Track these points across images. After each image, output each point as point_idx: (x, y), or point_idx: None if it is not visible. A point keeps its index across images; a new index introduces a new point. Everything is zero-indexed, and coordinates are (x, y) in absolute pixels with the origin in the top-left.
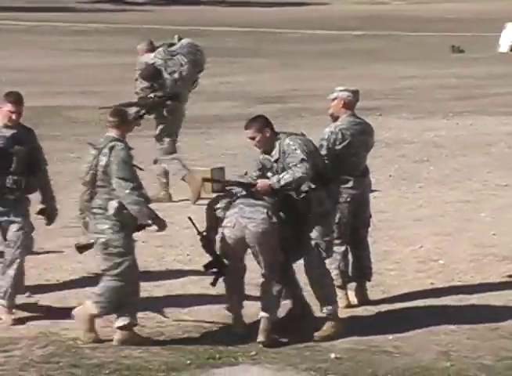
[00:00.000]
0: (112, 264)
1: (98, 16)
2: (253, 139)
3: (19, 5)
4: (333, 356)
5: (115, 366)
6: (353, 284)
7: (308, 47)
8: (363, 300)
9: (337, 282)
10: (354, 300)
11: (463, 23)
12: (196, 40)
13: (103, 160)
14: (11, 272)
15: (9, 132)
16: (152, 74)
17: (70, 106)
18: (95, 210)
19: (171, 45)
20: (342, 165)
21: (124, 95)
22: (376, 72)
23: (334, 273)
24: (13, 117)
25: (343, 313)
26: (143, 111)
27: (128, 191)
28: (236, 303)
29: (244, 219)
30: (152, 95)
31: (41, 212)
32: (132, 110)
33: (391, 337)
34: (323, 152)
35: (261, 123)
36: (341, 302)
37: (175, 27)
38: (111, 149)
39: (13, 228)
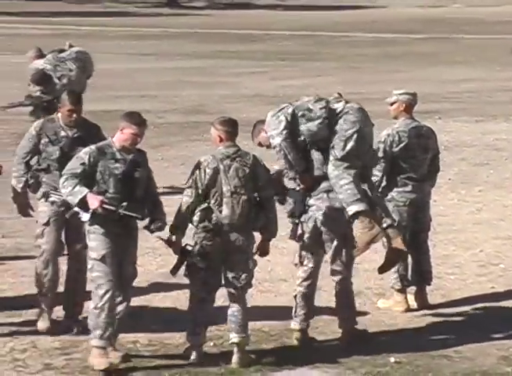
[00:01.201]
0: None
1: (156, 20)
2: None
3: (80, 10)
4: (392, 360)
5: (176, 370)
6: (412, 288)
7: (367, 50)
8: (423, 304)
9: (397, 286)
10: (413, 304)
11: None
12: (256, 44)
13: None
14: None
15: (129, 156)
16: (42, 79)
17: (128, 110)
18: None
19: (62, 51)
20: (399, 168)
21: (181, 99)
22: (435, 75)
23: (393, 277)
24: (138, 140)
25: (403, 318)
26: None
27: None
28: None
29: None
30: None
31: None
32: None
33: (451, 341)
34: (380, 154)
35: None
36: (401, 306)
37: (233, 30)
38: None
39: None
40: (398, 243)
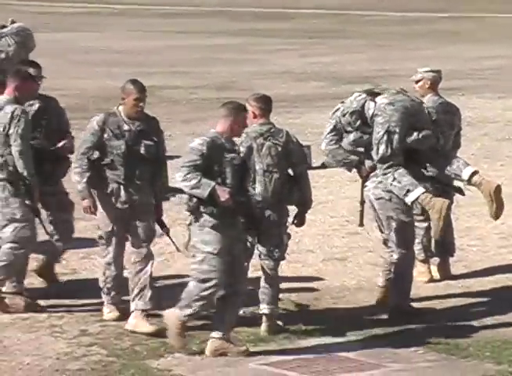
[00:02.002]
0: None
1: None
2: None
3: None
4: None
5: (205, 336)
6: (436, 259)
7: (394, 28)
8: (446, 275)
9: (420, 256)
10: (436, 275)
11: None
12: (284, 22)
13: None
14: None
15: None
16: None
17: (161, 86)
18: None
19: (3, 27)
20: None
21: (211, 75)
22: (459, 53)
23: (417, 248)
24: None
25: (426, 288)
26: None
27: None
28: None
29: None
30: None
31: None
32: None
33: (473, 311)
34: None
35: None
36: (424, 276)
37: (262, 9)
38: None
39: None
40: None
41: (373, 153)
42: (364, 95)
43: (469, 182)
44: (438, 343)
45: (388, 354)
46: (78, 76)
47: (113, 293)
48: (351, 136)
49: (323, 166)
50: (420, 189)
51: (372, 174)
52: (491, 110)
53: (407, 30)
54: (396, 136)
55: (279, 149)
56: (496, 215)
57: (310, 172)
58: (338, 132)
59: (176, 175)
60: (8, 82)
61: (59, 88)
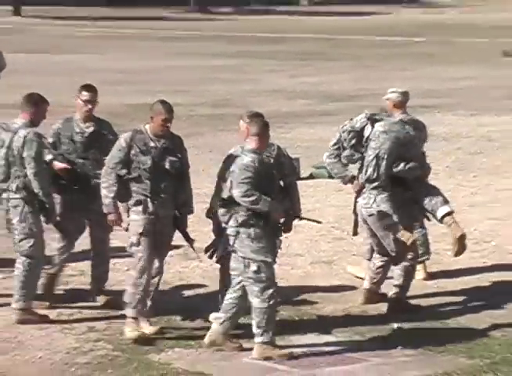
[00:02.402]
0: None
1: (189, 24)
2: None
3: (122, 15)
4: (395, 325)
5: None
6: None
7: (376, 51)
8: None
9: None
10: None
11: None
12: (276, 45)
13: None
14: None
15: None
16: None
17: None
18: None
19: None
20: None
21: (210, 93)
22: (435, 73)
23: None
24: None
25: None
26: None
27: None
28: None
29: None
30: None
31: None
32: None
33: (448, 310)
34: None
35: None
36: (420, 275)
37: (256, 33)
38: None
39: None
40: (456, 230)
41: (362, 173)
42: (366, 119)
43: (441, 220)
44: (416, 339)
45: (370, 349)
46: None
47: (140, 305)
48: (346, 152)
49: (311, 177)
50: (393, 219)
51: (364, 189)
52: (464, 126)
53: (387, 53)
54: (384, 162)
55: (271, 161)
56: (456, 255)
57: (299, 182)
58: (340, 146)
59: (233, 192)
60: (22, 106)
61: (69, 105)
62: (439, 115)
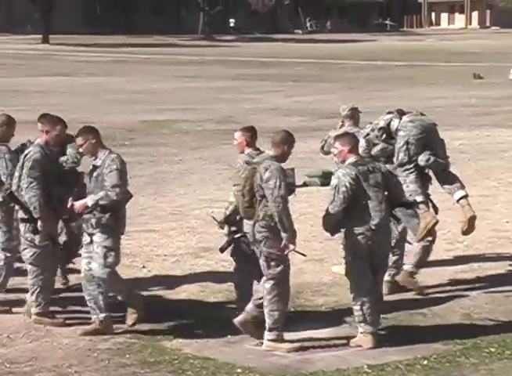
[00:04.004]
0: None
1: (196, 50)
2: None
3: (137, 42)
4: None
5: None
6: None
7: (362, 74)
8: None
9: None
10: None
11: (483, 55)
12: (273, 69)
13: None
14: None
15: None
16: None
17: (174, 120)
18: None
19: None
20: None
21: (215, 111)
22: (413, 93)
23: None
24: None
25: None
26: None
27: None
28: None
29: None
30: None
31: None
32: None
33: (425, 302)
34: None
35: None
36: None
37: (256, 58)
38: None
39: None
40: (469, 211)
41: (395, 159)
42: (391, 116)
43: (457, 201)
44: (397, 328)
45: (355, 336)
46: (107, 112)
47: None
48: (379, 147)
49: (304, 185)
50: (419, 198)
51: None
52: None
53: (371, 76)
54: (413, 147)
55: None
56: (465, 233)
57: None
58: (369, 149)
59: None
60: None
61: (92, 121)
62: None
